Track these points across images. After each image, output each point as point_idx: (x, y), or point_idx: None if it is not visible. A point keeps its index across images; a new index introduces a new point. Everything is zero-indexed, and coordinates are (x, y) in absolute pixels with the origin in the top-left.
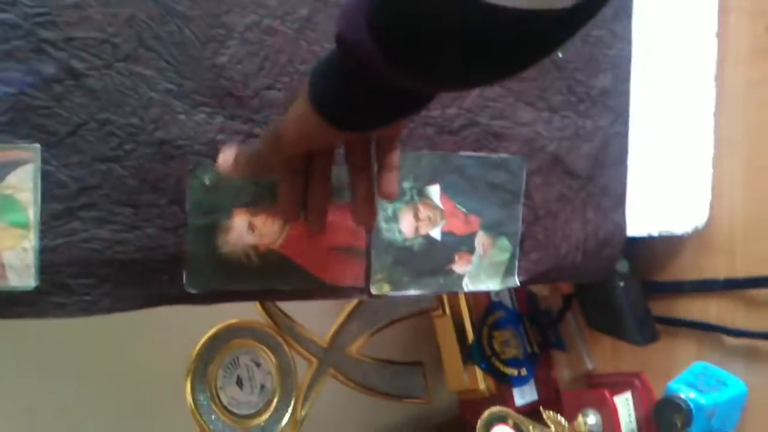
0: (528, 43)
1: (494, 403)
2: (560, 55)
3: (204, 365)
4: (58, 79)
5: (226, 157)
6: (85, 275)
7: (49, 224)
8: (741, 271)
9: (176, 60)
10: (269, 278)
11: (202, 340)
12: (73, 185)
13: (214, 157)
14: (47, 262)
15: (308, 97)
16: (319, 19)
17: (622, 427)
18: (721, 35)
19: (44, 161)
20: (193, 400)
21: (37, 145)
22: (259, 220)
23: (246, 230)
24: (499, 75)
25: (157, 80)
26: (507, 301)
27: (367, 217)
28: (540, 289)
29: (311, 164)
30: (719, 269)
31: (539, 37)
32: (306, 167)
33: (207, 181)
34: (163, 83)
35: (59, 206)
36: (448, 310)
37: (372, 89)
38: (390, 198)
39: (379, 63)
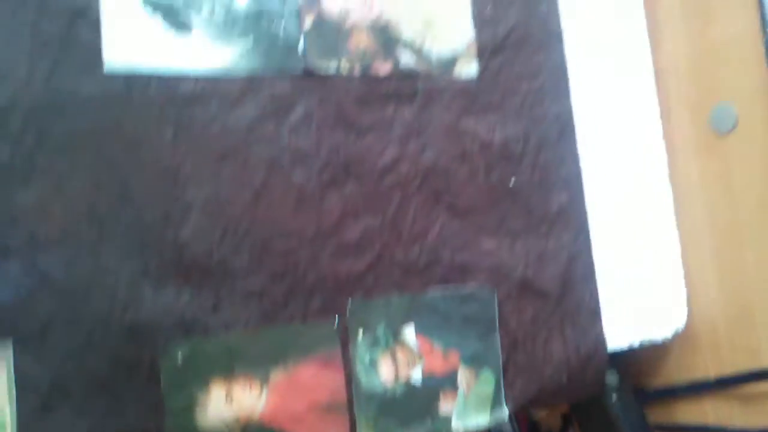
0: None
1: None
2: (512, 182)
3: None
4: (25, 277)
5: None
6: None
7: (25, 423)
8: (729, 365)
9: (139, 242)
10: None
11: None
12: (48, 379)
13: (184, 334)
14: None
15: None
16: (274, 184)
17: None
18: (666, 135)
19: (16, 357)
20: None
21: (9, 341)
22: (237, 388)
23: (224, 402)
24: None
25: (121, 265)
26: (507, 428)
27: None
28: (538, 410)
29: None
30: (708, 366)
31: None
32: None
33: (179, 360)
34: (128, 267)
35: (35, 402)
36: None
37: None
38: None
39: None
